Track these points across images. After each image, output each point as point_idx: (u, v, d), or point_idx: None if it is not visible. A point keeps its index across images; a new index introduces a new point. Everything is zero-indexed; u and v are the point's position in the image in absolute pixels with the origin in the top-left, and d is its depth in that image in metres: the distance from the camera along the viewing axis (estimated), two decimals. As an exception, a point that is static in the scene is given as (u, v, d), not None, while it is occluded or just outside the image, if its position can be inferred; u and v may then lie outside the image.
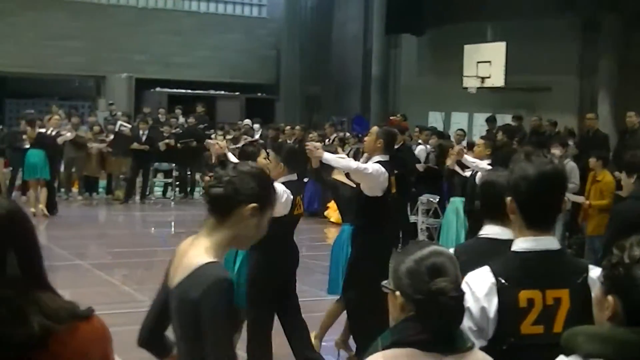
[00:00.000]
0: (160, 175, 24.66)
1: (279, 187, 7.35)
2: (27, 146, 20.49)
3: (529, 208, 3.40)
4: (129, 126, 23.47)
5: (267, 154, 8.15)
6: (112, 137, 23.18)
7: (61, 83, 31.55)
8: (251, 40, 32.47)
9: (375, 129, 8.77)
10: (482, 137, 14.26)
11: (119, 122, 23.64)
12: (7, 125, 25.39)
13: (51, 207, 19.27)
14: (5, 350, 2.41)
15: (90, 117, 25.81)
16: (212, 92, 31.09)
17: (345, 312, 8.69)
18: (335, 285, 8.98)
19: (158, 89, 30.48)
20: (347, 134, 23.54)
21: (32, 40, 29.20)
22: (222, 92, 31.59)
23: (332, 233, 18.40)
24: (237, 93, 31.77)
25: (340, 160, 8.42)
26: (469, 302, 3.26)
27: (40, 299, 2.50)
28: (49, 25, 29.43)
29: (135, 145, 22.29)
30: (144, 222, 21.28)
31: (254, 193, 3.51)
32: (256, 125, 25.35)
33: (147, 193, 23.33)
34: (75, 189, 22.92)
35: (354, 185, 8.58)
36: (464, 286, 3.18)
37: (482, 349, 3.18)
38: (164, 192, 24.54)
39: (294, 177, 7.85)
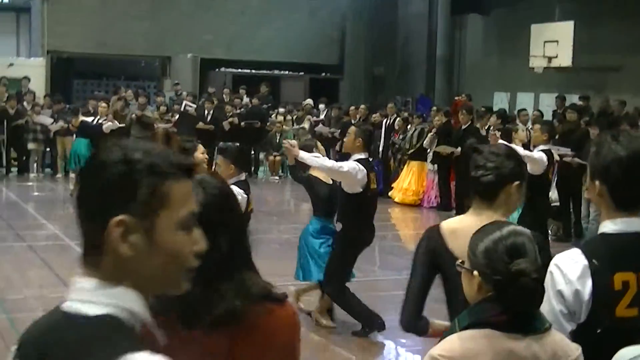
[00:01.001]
0: (224, 155, 24.78)
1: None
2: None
3: (621, 190, 3.28)
4: (194, 106, 23.61)
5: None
6: (177, 117, 23.36)
7: (127, 63, 31.80)
8: (316, 20, 32.37)
9: (353, 129, 9.03)
10: (537, 122, 13.96)
11: (185, 102, 23.79)
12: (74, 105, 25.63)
13: None
14: (200, 328, 2.46)
15: (157, 97, 26.01)
16: (276, 72, 31.13)
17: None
18: (300, 273, 9.49)
19: (223, 69, 30.60)
20: (404, 114, 23.31)
21: (99, 21, 29.51)
22: (286, 73, 31.60)
23: (396, 213, 18.38)
24: (301, 73, 31.76)
25: (315, 159, 8.59)
26: (561, 284, 3.18)
27: (244, 278, 2.56)
28: (116, 6, 29.70)
29: (200, 124, 22.43)
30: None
31: (515, 172, 3.86)
32: (321, 106, 25.35)
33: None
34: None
35: (330, 182, 9.00)
36: (553, 268, 3.11)
37: (574, 332, 3.12)
38: (229, 172, 24.61)
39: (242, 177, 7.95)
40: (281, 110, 25.38)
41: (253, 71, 30.50)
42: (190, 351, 2.46)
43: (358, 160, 8.56)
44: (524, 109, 20.60)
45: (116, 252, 1.76)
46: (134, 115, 21.77)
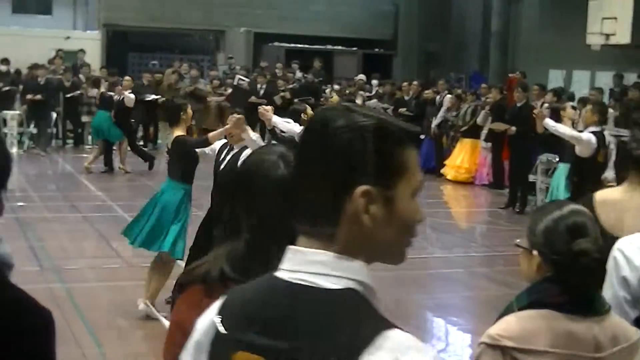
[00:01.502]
0: (277, 129, 24.80)
1: None
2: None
3: None
4: (247, 80, 23.64)
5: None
6: (230, 91, 23.42)
7: (181, 37, 31.93)
8: (370, -5, 32.23)
9: (335, 97, 9.29)
10: (590, 102, 13.70)
11: (238, 76, 23.84)
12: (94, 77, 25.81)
13: (107, 164, 18.65)
14: None
15: (211, 71, 26.10)
16: (329, 47, 31.03)
17: None
18: None
19: (276, 43, 30.57)
20: (457, 91, 23.12)
21: (153, -6, 29.65)
22: (340, 48, 31.49)
23: (448, 190, 18.31)
24: (354, 48, 31.63)
25: (286, 124, 9.30)
26: (625, 271, 3.13)
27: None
28: (170, -21, 29.80)
29: (252, 99, 22.47)
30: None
31: None
32: (373, 82, 25.26)
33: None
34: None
35: None
36: (617, 254, 3.07)
37: (637, 320, 3.06)
38: (282, 147, 24.70)
39: None
40: (336, 87, 25.36)
41: (306, 46, 30.42)
42: None
43: None
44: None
45: (357, 224, 1.71)
46: (187, 89, 21.92)
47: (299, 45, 30.33)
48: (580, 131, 11.04)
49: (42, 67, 22.90)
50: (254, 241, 2.54)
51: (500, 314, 2.98)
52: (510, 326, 2.83)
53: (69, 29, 31.52)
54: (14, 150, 20.67)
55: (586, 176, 9.80)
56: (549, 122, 11.18)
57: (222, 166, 8.02)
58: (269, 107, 9.63)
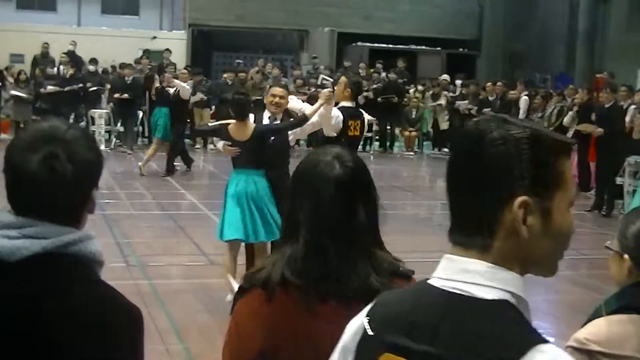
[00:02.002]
0: (360, 129, 24.81)
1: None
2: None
3: None
4: (331, 80, 23.65)
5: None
6: (313, 90, 23.46)
7: (265, 37, 32.14)
8: (454, -5, 32.03)
9: (343, 79, 9.71)
10: None
11: (321, 76, 23.89)
12: (213, 78, 26.10)
13: (169, 168, 17.66)
14: (334, 300, 2.52)
15: (294, 70, 26.21)
16: (413, 47, 30.93)
17: None
18: None
19: (360, 43, 30.56)
20: (543, 92, 22.81)
21: (239, -6, 29.90)
22: (423, 47, 31.35)
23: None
24: (438, 48, 31.47)
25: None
26: None
27: (375, 253, 2.60)
28: (255, -20, 30.01)
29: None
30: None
31: None
32: (457, 82, 25.08)
33: (347, 146, 23.52)
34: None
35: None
36: None
37: None
38: (364, 146, 24.69)
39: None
40: (419, 87, 25.28)
41: (390, 46, 30.36)
42: (326, 321, 2.49)
43: (342, 108, 9.02)
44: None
45: (514, 235, 1.69)
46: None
47: (383, 45, 30.28)
48: None
49: (129, 66, 23.26)
50: (312, 242, 2.54)
51: (588, 318, 2.92)
52: (598, 330, 2.78)
53: (155, 29, 32.01)
54: (101, 147, 21.04)
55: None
56: None
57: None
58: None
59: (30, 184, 2.15)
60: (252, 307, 2.57)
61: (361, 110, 9.63)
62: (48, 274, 2.13)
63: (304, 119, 8.60)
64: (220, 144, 8.66)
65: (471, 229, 1.73)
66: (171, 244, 11.37)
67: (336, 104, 9.17)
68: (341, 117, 8.95)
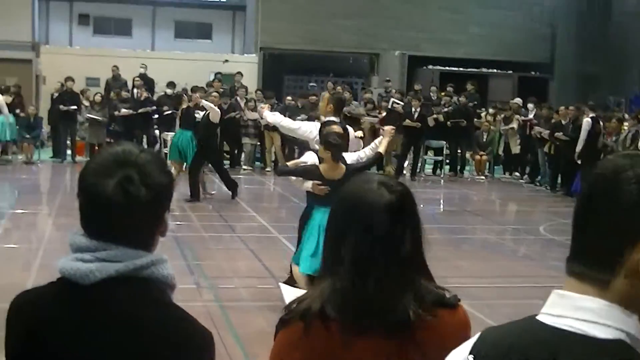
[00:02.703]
0: (430, 153, 24.74)
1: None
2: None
3: None
4: (402, 103, 23.66)
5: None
6: (384, 114, 23.49)
7: (336, 60, 32.25)
8: (527, 17, 31.81)
9: (326, 95, 11.30)
10: None
11: (392, 100, 23.88)
12: (284, 101, 26.20)
13: (193, 194, 16.75)
14: (373, 332, 2.48)
15: (365, 93, 26.25)
16: (484, 70, 30.80)
17: None
18: None
19: (430, 66, 30.53)
20: (618, 115, 22.46)
21: (311, 19, 30.14)
22: (494, 70, 31.21)
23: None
24: (509, 71, 31.28)
25: (272, 116, 10.77)
26: None
27: (420, 284, 2.54)
28: (326, 4, 30.20)
29: (407, 122, 22.47)
30: (413, 199, 21.44)
31: None
32: (529, 105, 24.84)
33: (418, 170, 23.48)
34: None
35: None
36: None
37: None
38: (434, 170, 24.62)
39: None
40: (490, 110, 25.14)
41: (460, 69, 30.28)
42: (363, 356, 2.50)
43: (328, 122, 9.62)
44: None
45: (637, 277, 1.64)
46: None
47: (454, 68, 30.20)
48: None
49: (201, 89, 23.49)
50: (355, 275, 2.49)
51: None
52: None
53: (227, 52, 32.31)
54: (172, 170, 21.26)
55: None
56: None
57: None
58: (264, 105, 11.62)
59: (105, 207, 2.18)
60: (292, 339, 2.56)
61: (346, 125, 10.14)
62: (121, 296, 2.17)
63: (379, 156, 9.31)
64: (308, 184, 8.74)
65: (592, 263, 1.69)
66: (241, 266, 11.43)
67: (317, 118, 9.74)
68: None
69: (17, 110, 23.35)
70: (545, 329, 1.71)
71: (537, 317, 1.74)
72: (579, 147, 19.10)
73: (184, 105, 17.74)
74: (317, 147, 9.05)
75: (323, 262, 2.68)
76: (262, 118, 11.39)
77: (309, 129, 9.97)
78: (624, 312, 1.66)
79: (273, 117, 10.83)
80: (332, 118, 9.84)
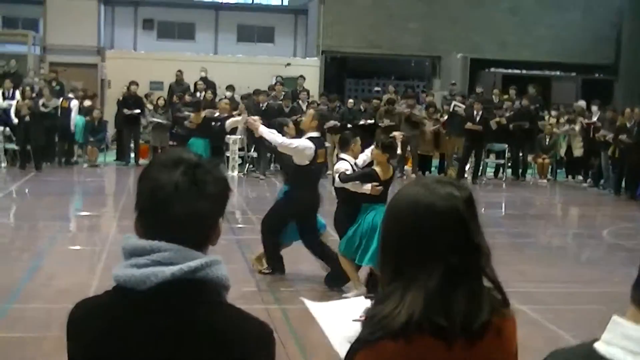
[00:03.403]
0: (492, 156, 24.57)
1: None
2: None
3: None
4: (463, 106, 23.52)
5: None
6: (446, 117, 23.39)
7: (398, 63, 32.20)
8: (590, 19, 31.46)
9: (311, 111, 11.75)
10: None
11: (454, 103, 23.77)
12: (346, 103, 26.20)
13: None
14: (458, 341, 2.36)
15: (427, 96, 26.17)
16: (546, 72, 30.54)
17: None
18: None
19: (492, 69, 30.36)
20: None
21: (373, 22, 30.18)
22: (557, 73, 30.93)
23: None
24: (573, 74, 30.97)
25: (270, 134, 10.74)
26: None
27: (487, 288, 2.44)
28: (388, 7, 30.21)
29: (469, 125, 22.34)
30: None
31: None
32: (593, 108, 24.52)
33: (480, 173, 23.32)
34: (408, 167, 23.27)
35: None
36: None
37: None
38: (496, 173, 24.45)
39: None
40: (553, 113, 24.89)
41: (523, 71, 30.04)
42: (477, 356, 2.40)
43: (310, 138, 10.44)
44: None
45: None
46: (403, 114, 22.06)
47: (516, 71, 30.00)
48: None
49: (264, 93, 23.64)
50: (444, 280, 2.34)
51: None
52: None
53: (289, 56, 32.41)
54: (235, 173, 21.37)
55: None
56: None
57: None
58: (256, 118, 11.81)
59: (169, 195, 2.17)
60: (384, 357, 2.33)
61: (324, 139, 11.25)
62: (176, 299, 2.16)
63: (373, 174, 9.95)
64: (367, 186, 9.44)
65: None
66: (304, 269, 11.43)
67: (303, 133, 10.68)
68: (313, 147, 10.37)
69: (87, 117, 23.62)
70: (596, 357, 1.68)
71: (595, 344, 1.71)
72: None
73: (203, 114, 17.17)
74: (306, 162, 10.32)
75: (387, 271, 2.48)
76: (256, 134, 11.32)
77: (304, 145, 10.42)
78: None
79: (271, 136, 10.70)
80: (314, 134, 10.57)
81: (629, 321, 1.64)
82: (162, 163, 2.24)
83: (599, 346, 1.67)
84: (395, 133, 10.94)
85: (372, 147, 9.85)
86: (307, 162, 10.35)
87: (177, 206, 2.18)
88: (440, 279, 2.34)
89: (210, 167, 2.26)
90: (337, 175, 9.76)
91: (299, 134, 11.13)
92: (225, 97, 20.93)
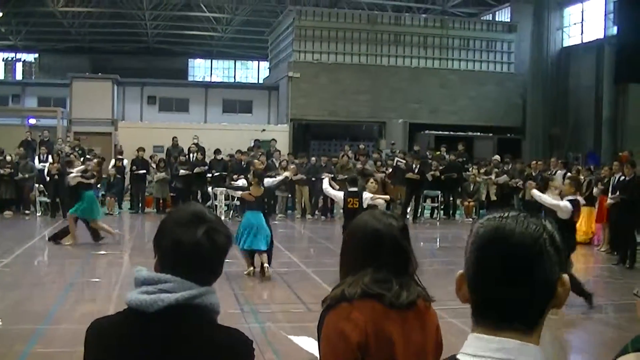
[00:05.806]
0: (428, 201, 24.72)
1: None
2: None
3: None
4: (404, 161, 23.73)
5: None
6: (390, 170, 23.56)
7: (351, 127, 32.44)
8: (502, 91, 32.03)
9: (256, 162, 13.00)
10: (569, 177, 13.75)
11: (396, 159, 23.97)
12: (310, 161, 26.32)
13: None
14: (399, 308, 2.83)
15: (375, 154, 26.36)
16: (469, 133, 30.87)
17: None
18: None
19: (427, 131, 30.65)
20: (577, 167, 22.38)
21: (330, 96, 30.43)
22: (478, 134, 31.28)
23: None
24: (490, 134, 31.35)
25: (335, 192, 13.07)
26: None
27: (414, 282, 2.94)
28: (343, 83, 30.51)
29: (409, 175, 22.53)
30: (414, 238, 21.34)
31: None
32: (507, 161, 24.86)
33: (419, 214, 23.46)
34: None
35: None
36: None
37: None
38: (432, 214, 24.59)
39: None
40: (475, 165, 25.16)
41: (451, 133, 30.36)
42: (408, 323, 2.84)
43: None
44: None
45: None
46: (357, 168, 22.18)
47: (446, 132, 30.29)
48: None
49: (245, 152, 23.71)
50: (389, 273, 2.87)
51: (617, 354, 2.85)
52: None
53: (264, 123, 32.57)
54: (222, 217, 21.30)
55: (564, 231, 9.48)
56: (535, 193, 11.64)
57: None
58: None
59: (192, 251, 2.22)
60: (342, 314, 2.77)
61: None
62: (179, 320, 2.20)
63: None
64: (380, 201, 12.12)
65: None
66: (277, 295, 11.44)
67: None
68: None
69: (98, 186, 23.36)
70: None
71: (457, 356, 1.65)
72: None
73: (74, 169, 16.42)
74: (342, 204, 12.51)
75: (345, 269, 2.96)
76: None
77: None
78: (535, 347, 1.61)
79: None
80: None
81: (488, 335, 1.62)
82: (181, 221, 2.27)
83: (464, 358, 1.64)
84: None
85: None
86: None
87: (198, 258, 2.24)
88: (382, 272, 2.83)
89: (222, 226, 2.31)
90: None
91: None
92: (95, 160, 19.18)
